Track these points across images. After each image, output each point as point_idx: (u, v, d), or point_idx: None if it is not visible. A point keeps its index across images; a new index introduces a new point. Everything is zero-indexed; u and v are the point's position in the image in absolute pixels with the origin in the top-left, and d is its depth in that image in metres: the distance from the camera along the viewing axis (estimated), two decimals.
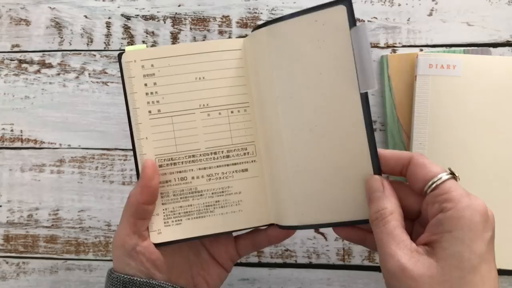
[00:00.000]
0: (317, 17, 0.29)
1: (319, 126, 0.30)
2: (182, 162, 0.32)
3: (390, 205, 0.27)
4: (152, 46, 0.46)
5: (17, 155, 0.46)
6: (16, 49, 0.47)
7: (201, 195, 0.33)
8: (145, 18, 0.46)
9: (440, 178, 0.26)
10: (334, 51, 0.29)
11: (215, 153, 0.33)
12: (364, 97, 0.29)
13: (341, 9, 0.29)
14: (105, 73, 0.46)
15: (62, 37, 0.47)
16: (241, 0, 0.45)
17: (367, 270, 0.43)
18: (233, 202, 0.33)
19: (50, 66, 0.46)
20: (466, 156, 0.38)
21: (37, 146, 0.46)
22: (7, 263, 0.46)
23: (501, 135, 0.38)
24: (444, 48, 0.43)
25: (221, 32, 0.45)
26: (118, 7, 0.46)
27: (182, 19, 0.46)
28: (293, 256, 0.44)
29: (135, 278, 0.31)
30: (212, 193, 0.33)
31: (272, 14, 0.45)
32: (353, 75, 0.29)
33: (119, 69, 0.46)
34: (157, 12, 0.46)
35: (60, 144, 0.46)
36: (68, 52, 0.46)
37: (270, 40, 0.31)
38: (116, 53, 0.46)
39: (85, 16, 0.46)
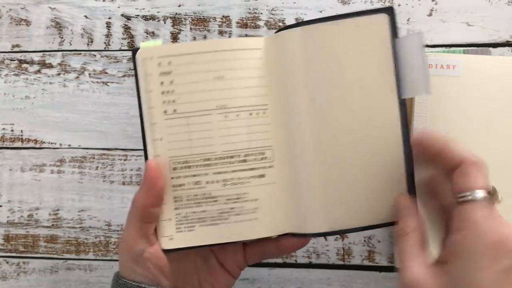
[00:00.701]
0: (359, 23, 0.29)
1: (355, 130, 0.29)
2: (197, 166, 0.31)
3: (414, 223, 0.27)
4: None
5: (17, 155, 0.46)
6: (16, 49, 0.47)
7: (215, 201, 0.31)
8: (145, 18, 0.46)
9: (470, 195, 0.25)
10: (375, 58, 0.29)
11: (231, 157, 0.31)
12: (404, 106, 0.29)
13: (384, 18, 0.29)
14: (105, 73, 0.46)
15: (62, 37, 0.47)
16: (241, 1, 0.45)
17: (367, 270, 0.43)
18: (249, 210, 0.31)
19: (50, 66, 0.46)
20: None
21: (37, 146, 0.46)
22: (7, 263, 0.46)
23: (501, 134, 0.38)
24: (443, 48, 0.43)
25: (221, 32, 0.45)
26: (118, 7, 0.46)
27: (182, 19, 0.46)
28: (293, 256, 0.44)
29: (142, 285, 0.30)
30: (227, 200, 0.31)
31: (272, 14, 0.45)
32: (392, 82, 0.29)
33: (119, 69, 0.46)
34: (157, 12, 0.46)
35: (60, 144, 0.46)
36: (68, 52, 0.46)
37: (306, 42, 0.30)
38: (117, 53, 0.46)
39: (85, 16, 0.47)
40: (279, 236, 0.32)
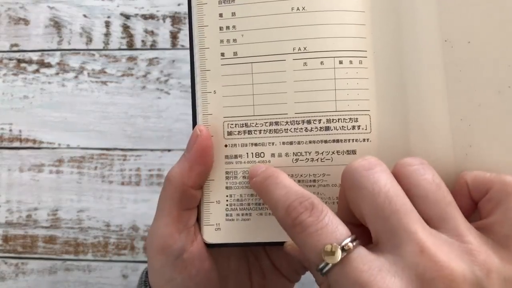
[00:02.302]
0: None
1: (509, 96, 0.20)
2: (260, 131, 0.23)
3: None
4: (152, 45, 0.45)
5: (16, 155, 0.46)
6: (15, 48, 0.47)
7: None
8: (145, 17, 0.46)
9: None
10: None
11: (308, 121, 0.22)
12: None
13: None
14: (104, 72, 0.46)
15: (61, 37, 0.46)
16: None
17: None
18: (328, 199, 0.22)
19: (49, 65, 0.46)
20: None
21: (36, 146, 0.46)
22: (5, 263, 0.45)
23: None
24: None
25: None
26: (117, 6, 0.46)
27: (182, 18, 0.45)
28: None
29: None
30: (299, 181, 0.22)
31: None
32: None
33: (118, 69, 0.46)
34: (157, 11, 0.46)
35: (59, 144, 0.46)
36: (67, 51, 0.46)
37: None
38: (115, 52, 0.46)
39: (84, 15, 0.46)
40: None
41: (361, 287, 0.17)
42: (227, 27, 0.23)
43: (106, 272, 0.45)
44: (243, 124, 0.23)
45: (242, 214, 0.23)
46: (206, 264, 0.23)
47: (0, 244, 0.46)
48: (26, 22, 0.47)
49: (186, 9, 0.45)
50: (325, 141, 0.22)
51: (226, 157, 0.23)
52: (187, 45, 0.47)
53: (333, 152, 0.22)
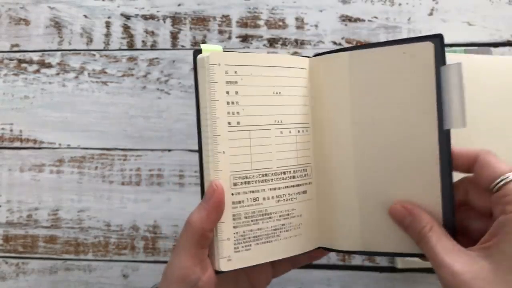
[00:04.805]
0: (406, 50, 0.29)
1: (394, 156, 0.30)
2: (256, 181, 0.30)
3: (424, 221, 0.27)
4: (152, 45, 0.46)
5: (17, 155, 0.46)
6: (15, 48, 0.47)
7: (270, 217, 0.31)
8: (145, 17, 0.46)
9: (504, 178, 0.25)
10: (419, 85, 0.29)
11: (284, 173, 0.31)
12: (445, 136, 0.28)
13: (429, 45, 0.29)
14: (105, 72, 0.46)
15: (61, 37, 0.46)
16: (241, 0, 0.45)
17: (367, 270, 0.43)
18: (295, 226, 0.31)
19: (49, 65, 0.46)
20: None
21: (37, 146, 0.46)
22: (6, 263, 0.46)
23: (503, 135, 0.38)
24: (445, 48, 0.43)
25: (221, 32, 0.45)
26: (118, 6, 0.46)
27: (182, 18, 0.45)
28: None
29: None
30: (280, 216, 0.31)
31: (272, 13, 0.45)
32: (434, 111, 0.28)
33: (118, 69, 0.46)
34: (157, 11, 0.46)
35: (60, 144, 0.46)
36: (68, 51, 0.46)
37: (352, 66, 0.31)
38: (116, 52, 0.46)
39: (85, 16, 0.46)
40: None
41: None
42: (232, 102, 0.30)
43: (107, 271, 0.45)
44: (244, 176, 0.30)
45: (245, 246, 0.30)
46: None
47: (1, 244, 0.46)
48: (27, 22, 0.47)
49: (186, 10, 0.45)
50: (293, 186, 0.31)
51: (233, 203, 0.30)
52: (187, 45, 0.47)
53: (297, 193, 0.32)
